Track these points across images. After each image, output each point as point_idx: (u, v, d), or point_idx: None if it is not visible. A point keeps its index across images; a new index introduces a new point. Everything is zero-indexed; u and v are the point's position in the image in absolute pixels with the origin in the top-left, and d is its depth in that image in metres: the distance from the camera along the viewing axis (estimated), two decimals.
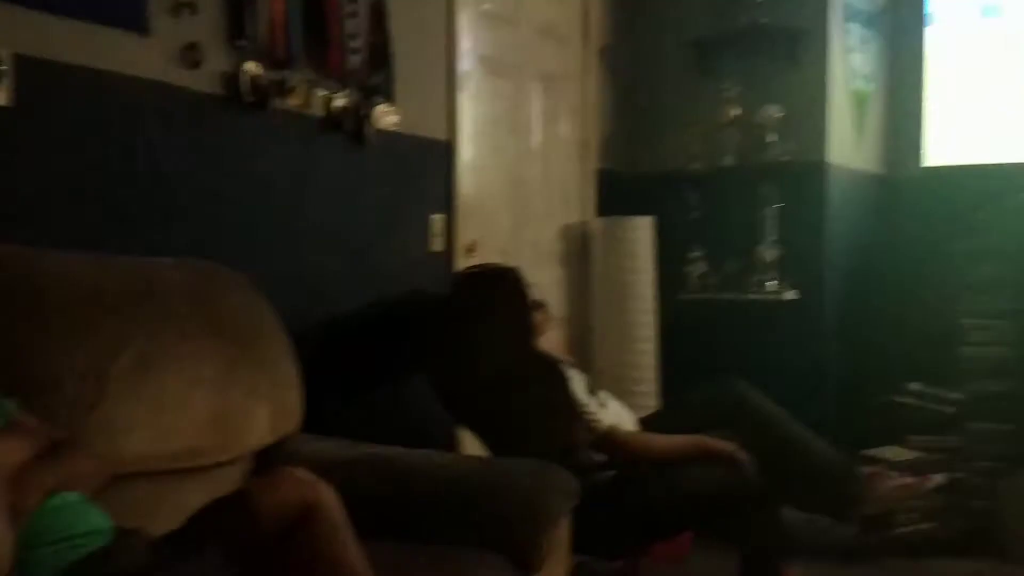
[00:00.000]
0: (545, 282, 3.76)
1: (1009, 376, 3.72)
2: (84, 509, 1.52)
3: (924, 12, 4.37)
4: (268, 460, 2.20)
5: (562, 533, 2.21)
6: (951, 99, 4.37)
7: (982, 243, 3.83)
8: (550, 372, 2.82)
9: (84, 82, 2.22)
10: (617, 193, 4.27)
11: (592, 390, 2.92)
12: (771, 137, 4.08)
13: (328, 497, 1.70)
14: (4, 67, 2.03)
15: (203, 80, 2.50)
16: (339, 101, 2.88)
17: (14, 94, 2.06)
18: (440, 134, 3.34)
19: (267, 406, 2.19)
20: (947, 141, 4.38)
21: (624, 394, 3.49)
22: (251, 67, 2.58)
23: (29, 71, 2.08)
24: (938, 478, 3.66)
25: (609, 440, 2.80)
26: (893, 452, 3.74)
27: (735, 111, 4.15)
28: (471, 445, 3.13)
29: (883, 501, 3.52)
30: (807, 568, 3.01)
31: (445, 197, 3.36)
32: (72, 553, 1.44)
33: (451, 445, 3.24)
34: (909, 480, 3.60)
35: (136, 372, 1.89)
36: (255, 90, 2.59)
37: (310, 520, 1.67)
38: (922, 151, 4.43)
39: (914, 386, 4.07)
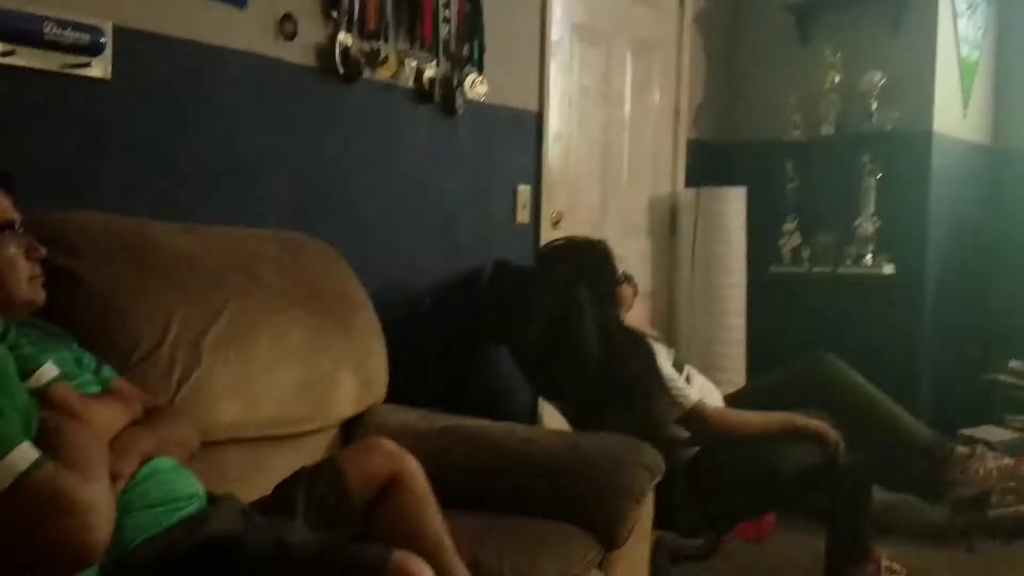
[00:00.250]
0: (632, 254, 3.72)
1: None
2: (179, 475, 1.56)
3: None
4: (356, 429, 2.24)
5: (646, 509, 2.19)
6: None
7: None
8: (636, 346, 2.79)
9: (181, 54, 2.26)
10: (709, 163, 4.19)
11: (679, 365, 2.88)
12: (873, 105, 3.94)
13: (413, 468, 1.73)
14: (104, 39, 2.07)
15: (298, 52, 2.52)
16: (430, 72, 2.88)
17: (113, 67, 2.10)
18: (529, 104, 3.31)
19: (354, 376, 2.22)
20: None
21: (711, 369, 3.44)
22: (345, 38, 2.60)
23: (128, 43, 2.12)
24: None
25: (695, 416, 2.76)
26: (990, 432, 3.63)
27: (835, 78, 4.02)
28: (551, 417, 3.13)
29: (978, 482, 3.41)
30: (896, 549, 2.95)
31: (533, 168, 3.34)
32: (168, 517, 1.48)
33: (531, 417, 3.24)
34: (1006, 461, 3.48)
35: (229, 341, 1.93)
36: (348, 61, 2.61)
37: (396, 490, 1.70)
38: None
39: (1013, 364, 3.93)
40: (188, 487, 1.55)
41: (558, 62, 3.44)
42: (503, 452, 2.18)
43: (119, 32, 2.10)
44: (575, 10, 3.54)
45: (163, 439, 1.56)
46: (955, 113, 4.07)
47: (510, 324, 2.88)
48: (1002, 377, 3.93)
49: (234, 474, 1.84)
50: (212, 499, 1.58)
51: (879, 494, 2.98)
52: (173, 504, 1.50)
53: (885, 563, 2.80)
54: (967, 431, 3.59)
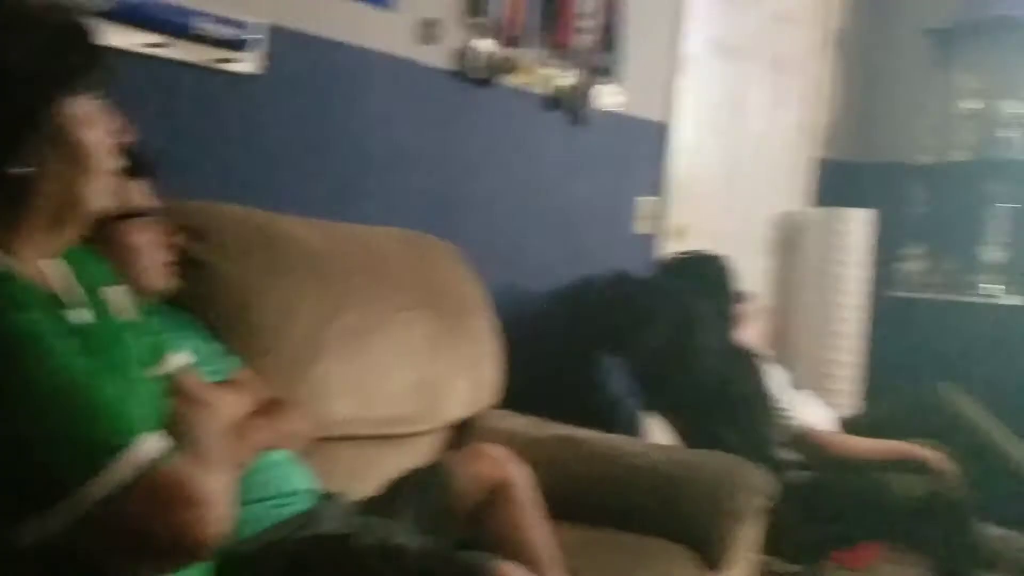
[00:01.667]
0: (754, 271, 3.57)
1: None
2: (292, 469, 1.53)
3: None
4: (465, 433, 2.19)
5: (751, 531, 2.10)
6: None
7: None
8: (746, 365, 2.68)
9: (328, 53, 2.24)
10: (838, 183, 4.01)
11: (793, 386, 2.74)
12: (1009, 133, 3.69)
13: (520, 476, 1.67)
14: (259, 36, 2.07)
15: (440, 56, 2.48)
16: (565, 80, 2.81)
17: (264, 62, 2.09)
18: (659, 116, 3.21)
19: (467, 379, 2.17)
20: None
21: (825, 392, 3.29)
22: (486, 44, 2.54)
23: (279, 41, 2.11)
24: None
25: (805, 439, 2.64)
26: None
27: (972, 104, 3.79)
28: (660, 433, 3.02)
29: None
30: None
31: (658, 179, 3.23)
32: (280, 511, 1.45)
33: (638, 431, 3.13)
34: None
35: (349, 338, 1.90)
36: (484, 66, 2.56)
37: (502, 497, 1.64)
38: None
39: None
40: (301, 482, 1.52)
41: (692, 75, 3.32)
42: (612, 464, 2.11)
43: (272, 30, 2.09)
44: (714, 24, 3.41)
45: (280, 432, 1.53)
46: None
47: (628, 334, 2.78)
48: None
49: (345, 471, 1.80)
50: (323, 495, 1.55)
51: (991, 529, 2.81)
52: (286, 498, 1.47)
53: None
54: None
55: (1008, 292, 3.69)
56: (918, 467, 2.58)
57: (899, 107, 4.04)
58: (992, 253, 3.72)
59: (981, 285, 3.74)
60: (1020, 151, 3.68)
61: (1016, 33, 3.72)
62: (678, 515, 1.99)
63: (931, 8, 3.95)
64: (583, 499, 2.01)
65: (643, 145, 3.17)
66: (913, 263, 3.90)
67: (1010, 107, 3.71)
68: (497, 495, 1.64)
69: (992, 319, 3.72)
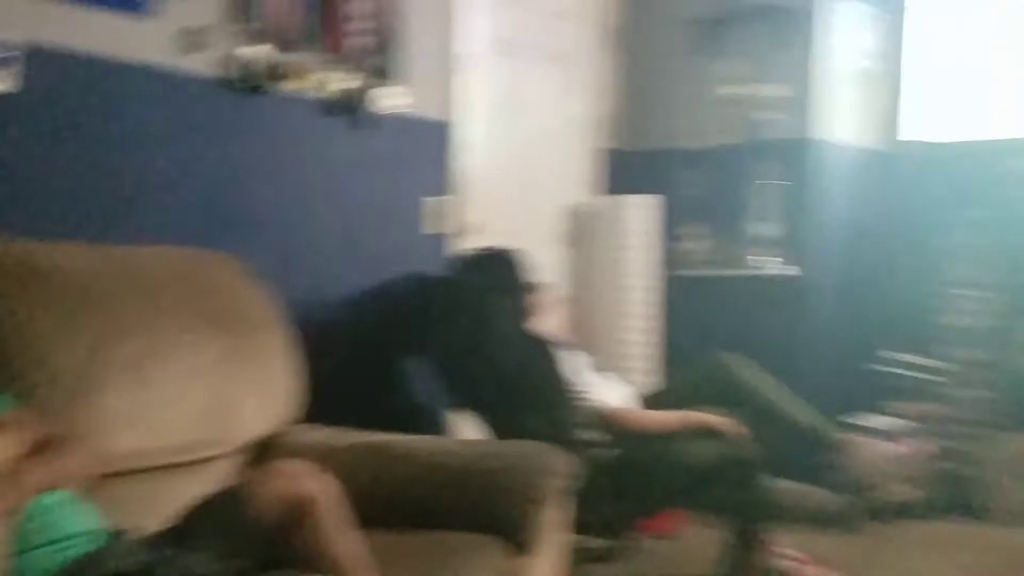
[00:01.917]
0: (550, 262, 3.67)
1: (993, 345, 3.74)
2: (76, 508, 1.46)
3: None
4: (266, 451, 2.13)
5: (557, 513, 2.15)
6: (955, 74, 4.22)
7: (975, 215, 3.87)
8: (542, 353, 2.76)
9: (87, 68, 2.13)
10: (623, 172, 4.16)
11: (596, 369, 2.84)
12: (772, 115, 3.95)
13: (325, 489, 1.64)
14: (14, 54, 1.94)
15: (207, 65, 2.40)
16: (344, 83, 2.78)
17: (20, 81, 1.97)
18: (442, 116, 3.23)
19: (262, 396, 2.12)
20: (948, 116, 4.23)
21: (625, 372, 3.42)
22: (257, 50, 2.48)
23: (36, 58, 1.99)
24: (923, 445, 3.65)
25: (605, 417, 2.74)
26: (881, 420, 3.71)
27: (736, 89, 4.03)
28: (467, 430, 3.06)
29: (868, 468, 3.48)
30: (792, 535, 2.97)
31: (443, 179, 3.25)
32: (63, 555, 1.38)
33: (445, 430, 3.15)
34: (894, 447, 3.57)
35: (129, 366, 1.82)
36: (260, 73, 2.50)
37: (304, 513, 1.61)
38: (916, 127, 4.28)
39: (903, 356, 4.00)
40: (86, 522, 1.45)
41: (475, 74, 3.37)
42: (416, 465, 2.11)
43: (25, 46, 1.97)
44: (494, 22, 3.47)
45: (61, 470, 1.46)
46: (850, 121, 4.11)
47: (427, 334, 2.81)
48: (893, 368, 3.99)
49: (136, 505, 1.72)
50: (111, 534, 1.48)
51: (775, 482, 3.00)
52: (70, 541, 1.40)
53: (783, 551, 2.81)
54: (860, 420, 3.67)
55: (783, 263, 3.94)
56: (711, 433, 2.72)
57: (670, 96, 4.22)
58: (766, 228, 3.96)
59: (754, 258, 3.97)
60: (781, 131, 3.93)
61: (770, 19, 3.94)
62: (484, 507, 2.01)
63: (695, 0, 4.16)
64: (392, 503, 2.00)
65: (427, 145, 3.18)
66: (693, 243, 4.11)
67: (770, 90, 3.93)
68: (299, 511, 1.60)
69: (770, 290, 3.98)
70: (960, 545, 3.31)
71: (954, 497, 3.60)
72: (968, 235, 3.96)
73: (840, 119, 4.02)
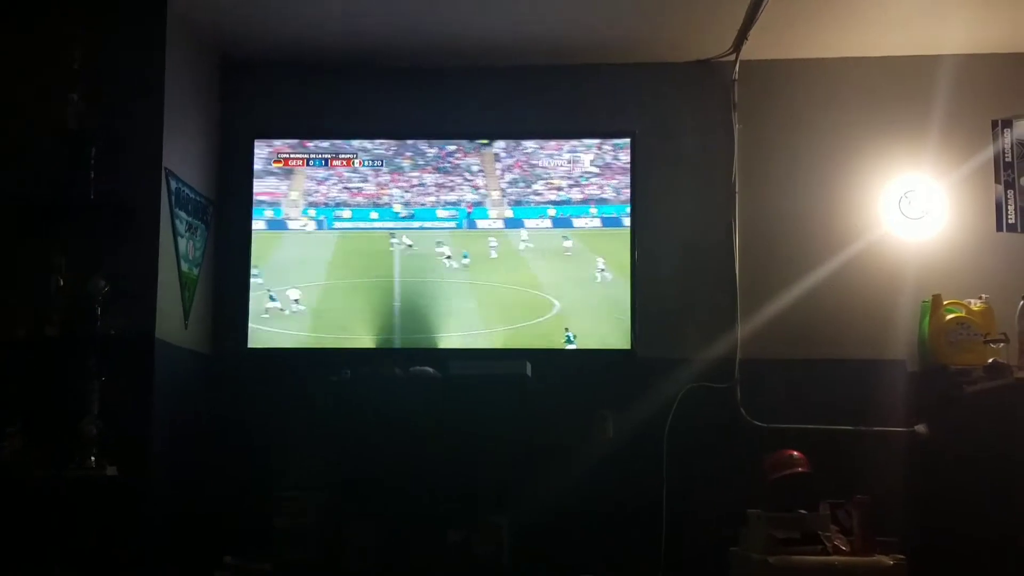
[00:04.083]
0: None
1: (316, 545, 3.97)
2: None
3: (251, 206, 4.54)
4: None
5: None
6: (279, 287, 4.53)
7: (300, 419, 4.23)
8: None
9: None
10: None
11: None
12: (99, 310, 3.85)
13: None
14: None
15: None
16: None
17: None
18: None
19: None
20: (271, 325, 4.51)
21: None
22: None
23: None
24: None
25: None
26: None
27: (60, 280, 3.85)
28: None
29: None
30: None
31: None
32: None
33: None
34: None
35: None
36: None
37: None
38: (246, 333, 4.47)
39: (229, 559, 4.04)
40: None
41: None
42: None
43: None
44: None
45: None
46: (177, 323, 4.17)
47: None
48: (222, 573, 4.00)
49: None
50: None
51: None
52: None
53: None
54: None
55: (104, 463, 3.68)
56: None
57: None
58: (89, 427, 3.70)
59: (81, 459, 3.68)
60: (109, 327, 3.78)
61: (99, 214, 3.90)
62: None
63: (26, 185, 3.94)
64: None
65: None
66: (11, 442, 3.70)
67: (95, 284, 3.78)
68: None
69: (90, 493, 3.68)
70: None
71: None
72: (295, 436, 4.30)
73: (168, 321, 4.04)
